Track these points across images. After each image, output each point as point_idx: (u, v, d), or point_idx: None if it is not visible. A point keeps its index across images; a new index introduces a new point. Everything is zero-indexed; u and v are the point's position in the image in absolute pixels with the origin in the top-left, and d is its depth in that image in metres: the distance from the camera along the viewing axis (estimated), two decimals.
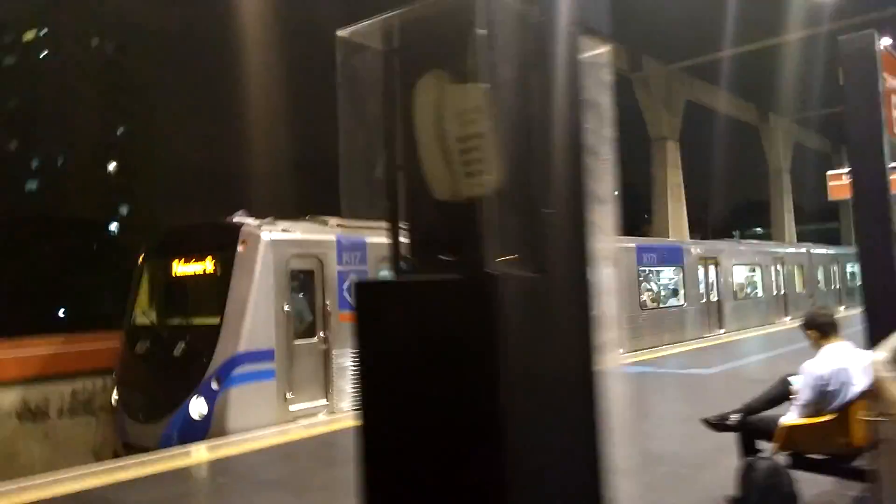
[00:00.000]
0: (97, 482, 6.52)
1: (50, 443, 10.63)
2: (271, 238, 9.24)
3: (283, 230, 9.54)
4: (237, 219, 9.68)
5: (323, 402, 9.56)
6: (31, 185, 72.94)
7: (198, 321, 9.50)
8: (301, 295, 9.54)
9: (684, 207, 27.47)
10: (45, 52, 73.67)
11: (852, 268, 30.03)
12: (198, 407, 8.73)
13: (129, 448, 9.46)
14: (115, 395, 10.13)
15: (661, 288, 17.80)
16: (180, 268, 9.96)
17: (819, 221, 45.70)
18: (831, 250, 29.81)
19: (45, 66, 72.83)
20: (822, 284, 26.37)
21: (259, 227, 9.36)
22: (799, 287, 24.35)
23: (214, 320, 9.08)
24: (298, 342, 9.35)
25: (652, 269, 17.15)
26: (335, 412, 9.59)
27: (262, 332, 8.96)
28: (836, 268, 27.96)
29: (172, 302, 10.26)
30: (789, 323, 22.00)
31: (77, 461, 10.80)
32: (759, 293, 21.90)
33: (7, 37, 71.95)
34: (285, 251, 9.35)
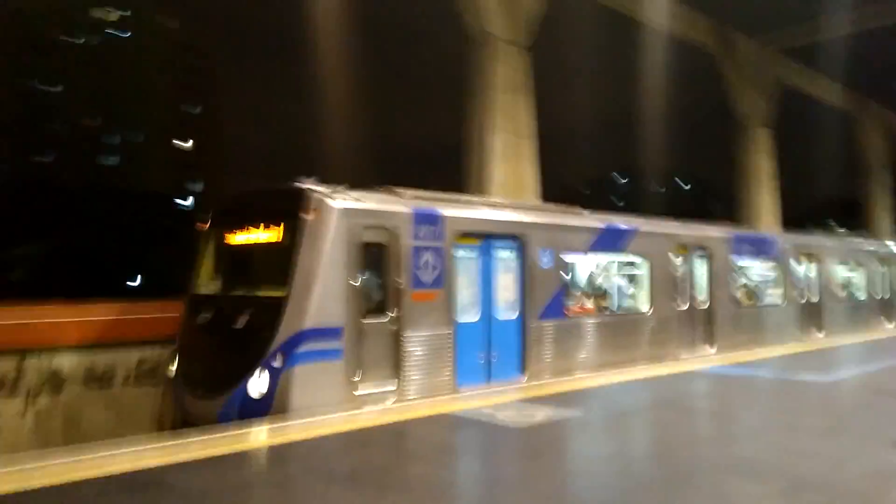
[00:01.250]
0: (155, 461, 5.94)
1: (113, 410, 10.28)
2: (343, 207, 8.50)
3: (355, 199, 8.79)
4: (307, 185, 8.98)
5: (392, 387, 8.81)
6: (111, 161, 75.47)
7: (261, 293, 8.88)
8: (371, 270, 8.78)
9: (775, 199, 25.57)
10: (127, 34, 75.90)
11: None
12: (258, 385, 8.11)
13: (188, 423, 8.98)
14: (172, 367, 9.65)
15: (758, 284, 16.34)
16: (244, 235, 9.36)
17: None
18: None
19: (126, 45, 75.02)
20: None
21: (330, 194, 8.63)
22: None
23: (279, 293, 8.43)
24: (368, 321, 8.61)
25: (748, 262, 15.73)
26: (404, 399, 8.84)
27: (329, 308, 8.26)
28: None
29: (235, 271, 9.68)
30: (893, 330, 20.15)
31: (139, 431, 10.48)
32: (862, 296, 20.04)
33: (89, 17, 74.35)
34: (357, 222, 8.60)
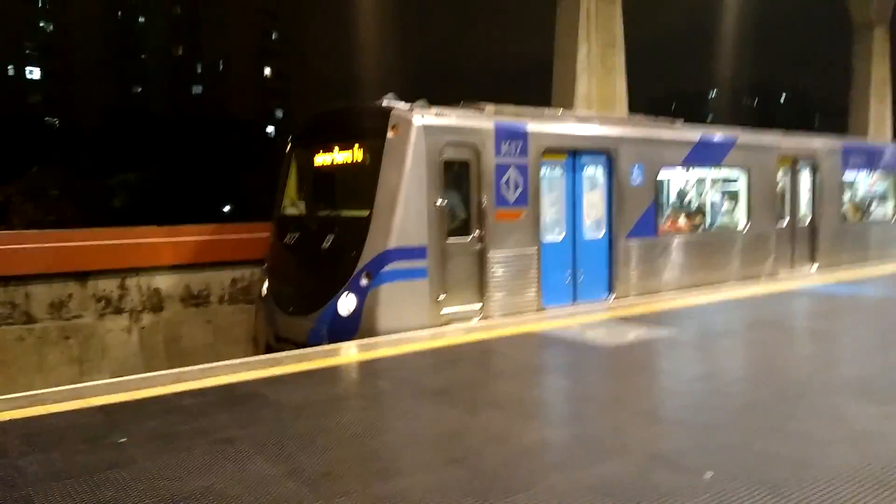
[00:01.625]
0: (250, 376, 6.14)
1: (211, 328, 10.75)
2: (424, 123, 8.25)
3: (436, 115, 8.51)
4: (387, 103, 8.77)
5: (477, 306, 8.75)
6: (197, 90, 77.37)
7: (346, 213, 8.88)
8: (454, 189, 8.58)
9: (889, 107, 23.42)
10: None
11: None
12: (347, 303, 8.21)
13: (280, 340, 9.27)
14: (264, 287, 9.91)
15: (867, 198, 15.18)
16: (327, 155, 9.30)
17: None
18: None
19: None
20: None
21: (410, 110, 8.39)
22: None
23: (363, 212, 8.39)
24: (452, 240, 8.49)
25: (858, 175, 14.56)
26: (489, 317, 8.78)
27: (413, 228, 8.17)
28: None
29: (319, 191, 9.71)
30: None
31: (235, 347, 10.97)
32: None
33: None
34: (439, 138, 8.36)
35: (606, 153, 10.09)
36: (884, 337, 7.54)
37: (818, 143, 13.67)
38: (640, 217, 10.44)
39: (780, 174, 12.70)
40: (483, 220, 8.73)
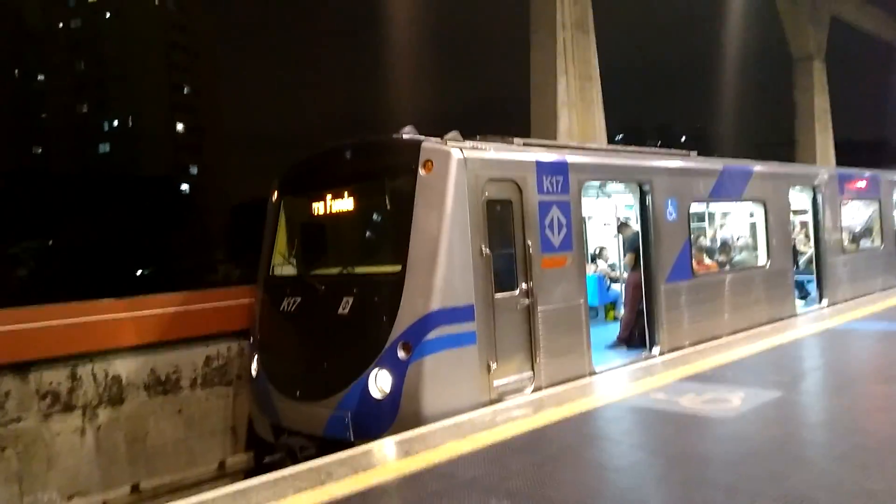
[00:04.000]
0: None
1: (183, 419, 8.77)
2: (463, 157, 6.86)
3: (474, 148, 7.14)
4: (408, 136, 7.35)
5: (529, 373, 7.28)
6: (104, 148, 73.30)
7: (368, 269, 7.29)
8: (498, 233, 7.17)
9: (831, 136, 23.95)
10: (108, 14, 73.04)
11: None
12: (380, 382, 6.57)
13: (280, 430, 7.49)
14: (254, 365, 8.13)
15: (862, 226, 14.84)
16: (333, 201, 7.72)
17: None
18: None
19: (110, 28, 72.28)
20: None
21: (444, 143, 6.99)
22: None
23: (394, 268, 6.83)
24: (500, 296, 7.04)
25: (853, 201, 14.16)
26: (541, 388, 7.32)
27: (458, 283, 6.67)
28: None
29: (326, 246, 8.11)
30: None
31: (213, 442, 9.02)
32: None
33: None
34: (480, 174, 6.97)
35: (643, 186, 8.98)
36: None
37: (822, 171, 13.18)
38: (677, 257, 9.34)
39: (793, 204, 12.04)
40: (530, 268, 7.34)
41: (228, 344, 9.30)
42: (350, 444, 6.45)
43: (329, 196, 7.69)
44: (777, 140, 26.52)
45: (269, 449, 7.68)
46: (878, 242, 14.86)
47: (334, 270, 7.61)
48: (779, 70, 24.42)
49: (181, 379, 8.90)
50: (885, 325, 10.10)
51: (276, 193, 8.53)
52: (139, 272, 56.15)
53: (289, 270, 8.23)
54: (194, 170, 77.66)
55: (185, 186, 75.74)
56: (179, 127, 78.06)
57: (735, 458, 4.76)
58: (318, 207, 7.84)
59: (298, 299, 7.68)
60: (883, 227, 14.91)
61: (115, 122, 73.45)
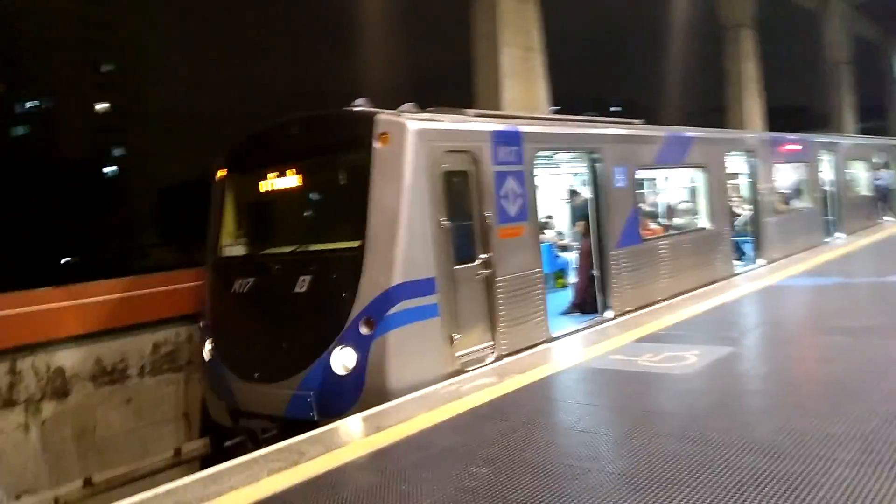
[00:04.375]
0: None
1: (132, 409, 8.48)
2: (420, 128, 6.76)
3: (430, 119, 7.05)
4: (361, 109, 7.20)
5: (490, 343, 7.33)
6: (19, 131, 69.45)
7: (325, 246, 7.15)
8: (456, 204, 7.13)
9: (760, 102, 24.77)
10: None
11: None
12: (343, 359, 6.49)
13: (239, 414, 7.34)
14: (207, 349, 7.91)
15: (791, 188, 15.46)
16: (284, 178, 7.51)
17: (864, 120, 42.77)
18: None
19: (22, 2, 68.08)
20: None
21: (399, 115, 6.88)
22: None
23: (352, 243, 6.73)
24: (459, 268, 7.03)
25: (784, 165, 14.73)
26: (501, 356, 7.39)
27: (419, 256, 6.62)
28: None
29: (281, 223, 7.91)
30: (890, 224, 19.84)
31: (165, 430, 8.78)
32: (864, 191, 19.59)
33: None
34: (437, 146, 6.89)
35: (594, 154, 9.09)
36: None
37: (756, 136, 13.64)
38: (626, 223, 9.52)
39: (730, 168, 12.43)
40: (488, 239, 7.35)
41: (176, 329, 9.02)
42: (314, 424, 6.38)
43: (280, 172, 7.48)
44: (708, 107, 27.24)
45: (226, 433, 7.53)
46: (807, 203, 15.54)
47: (288, 249, 7.43)
48: (708, 39, 25.01)
49: (129, 367, 8.59)
50: (818, 280, 10.60)
51: (221, 172, 8.25)
52: (64, 260, 53.78)
53: (239, 251, 8.01)
54: (119, 152, 74.48)
55: (109, 169, 72.71)
56: (101, 107, 74.54)
57: (701, 411, 4.93)
58: (269, 185, 7.61)
59: (251, 280, 7.48)
60: (811, 187, 15.59)
61: (31, 104, 69.53)
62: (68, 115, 68.42)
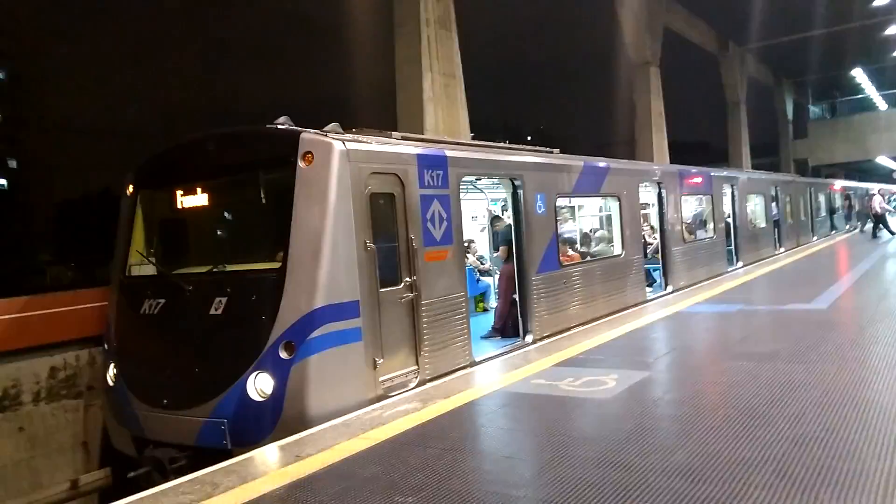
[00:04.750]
0: None
1: (25, 437, 7.83)
2: (346, 148, 6.66)
3: (355, 140, 6.97)
4: (284, 127, 7.04)
5: (414, 367, 7.25)
6: None
7: (242, 267, 6.89)
8: (382, 227, 7.05)
9: (665, 138, 26.08)
10: None
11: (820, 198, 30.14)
12: (259, 385, 6.24)
13: (144, 442, 6.92)
14: (110, 374, 7.45)
15: (696, 218, 16.26)
16: (200, 195, 7.22)
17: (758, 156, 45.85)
18: (808, 180, 29.72)
19: None
20: (800, 215, 25.81)
21: (324, 134, 6.76)
22: (790, 217, 23.62)
23: (272, 264, 6.53)
24: (384, 291, 6.93)
25: (690, 196, 15.49)
26: (424, 379, 7.33)
27: (343, 278, 6.48)
28: (808, 199, 27.53)
29: (196, 242, 7.59)
30: (784, 254, 21.20)
31: (61, 460, 8.16)
32: (762, 223, 20.86)
33: None
34: (363, 167, 6.81)
35: (515, 181, 9.24)
36: (836, 348, 7.43)
37: (665, 168, 14.27)
38: (546, 248, 9.71)
39: (643, 198, 12.93)
40: (413, 262, 7.30)
41: (77, 352, 8.43)
42: (227, 452, 6.10)
43: (196, 190, 7.18)
44: (617, 140, 28.42)
45: (130, 464, 7.08)
46: (710, 233, 16.37)
47: (203, 269, 7.12)
48: (616, 75, 26.16)
49: (21, 393, 7.94)
50: (724, 307, 11.13)
51: (131, 187, 7.86)
52: None
53: (149, 270, 7.61)
54: (13, 163, 70.01)
55: (1, 182, 68.25)
56: None
57: (622, 435, 5.01)
58: (183, 202, 7.30)
59: (162, 301, 7.12)
60: (715, 218, 16.45)
61: None
62: None
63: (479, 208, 13.25)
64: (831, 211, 32.50)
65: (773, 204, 21.62)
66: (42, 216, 62.91)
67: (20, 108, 70.28)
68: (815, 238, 27.24)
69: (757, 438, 4.72)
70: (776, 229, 21.72)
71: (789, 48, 35.37)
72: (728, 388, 6.13)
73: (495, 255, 11.10)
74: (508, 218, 9.72)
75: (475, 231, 12.79)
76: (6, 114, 70.13)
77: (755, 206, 20.63)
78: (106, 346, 7.70)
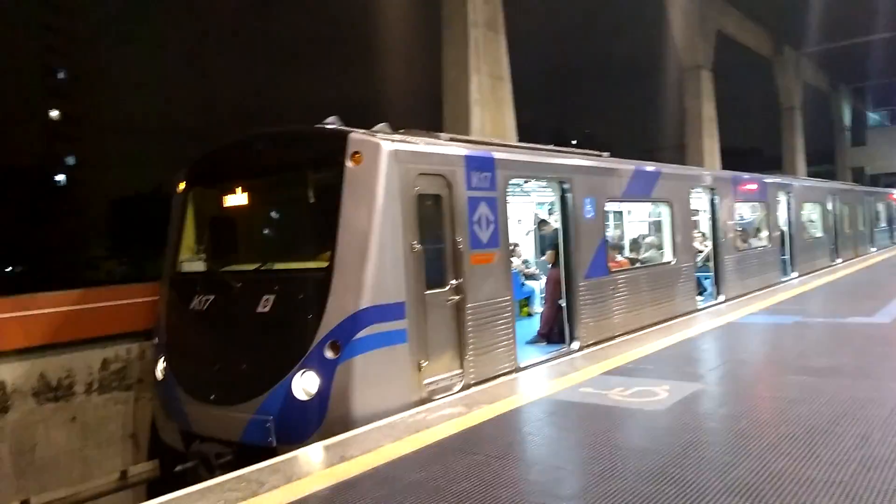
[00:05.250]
0: None
1: (78, 427, 8.01)
2: (394, 149, 6.62)
3: (404, 140, 6.92)
4: (334, 127, 7.03)
5: (458, 371, 7.15)
6: None
7: (290, 265, 6.90)
8: (429, 228, 6.99)
9: (717, 143, 25.45)
10: None
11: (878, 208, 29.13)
12: (305, 384, 6.23)
13: (192, 438, 6.98)
14: (160, 367, 7.55)
15: (750, 226, 15.80)
16: (250, 194, 7.28)
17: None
18: (866, 189, 28.72)
19: None
20: (858, 225, 24.90)
21: (373, 135, 6.73)
22: (847, 227, 22.80)
23: (319, 263, 6.52)
24: (430, 293, 6.86)
25: (744, 204, 15.05)
26: (469, 385, 7.22)
27: (389, 279, 6.43)
28: (866, 208, 26.55)
29: (244, 240, 7.64)
30: (841, 265, 20.45)
31: (111, 451, 8.32)
32: (818, 233, 20.17)
33: None
34: (411, 168, 6.75)
35: (564, 184, 9.07)
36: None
37: (719, 174, 13.89)
38: (594, 254, 9.51)
39: (695, 205, 12.60)
40: (459, 265, 7.21)
41: (128, 346, 8.60)
42: (271, 450, 6.10)
43: (246, 188, 7.24)
44: (665, 145, 27.89)
45: (177, 457, 7.16)
46: (764, 241, 15.88)
47: (251, 267, 7.16)
48: (666, 79, 25.67)
49: (75, 384, 8.13)
50: (779, 318, 10.75)
51: (183, 185, 7.96)
52: (7, 269, 51.69)
53: (199, 267, 7.69)
54: (71, 160, 72.43)
55: (60, 177, 70.59)
56: (54, 114, 72.56)
57: (677, 449, 4.83)
58: (233, 200, 7.36)
59: (211, 297, 7.18)
60: (769, 227, 15.94)
61: None
62: (20, 120, 66.33)
63: (525, 212, 13.10)
64: (890, 221, 31.35)
65: (831, 213, 20.92)
66: (97, 212, 64.88)
67: (79, 106, 72.74)
68: (873, 249, 26.26)
69: (821, 458, 4.49)
70: (833, 239, 20.99)
71: (848, 53, 34.22)
72: (788, 404, 5.87)
73: (541, 259, 10.92)
74: (556, 222, 9.55)
75: (520, 235, 12.63)
76: (66, 112, 72.65)
77: (811, 215, 19.97)
78: (156, 339, 7.81)
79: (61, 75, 73.40)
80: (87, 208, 64.27)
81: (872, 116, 49.16)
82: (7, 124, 65.15)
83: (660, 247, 11.96)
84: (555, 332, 9.50)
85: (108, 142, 72.51)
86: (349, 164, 6.49)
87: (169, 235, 8.05)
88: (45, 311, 7.88)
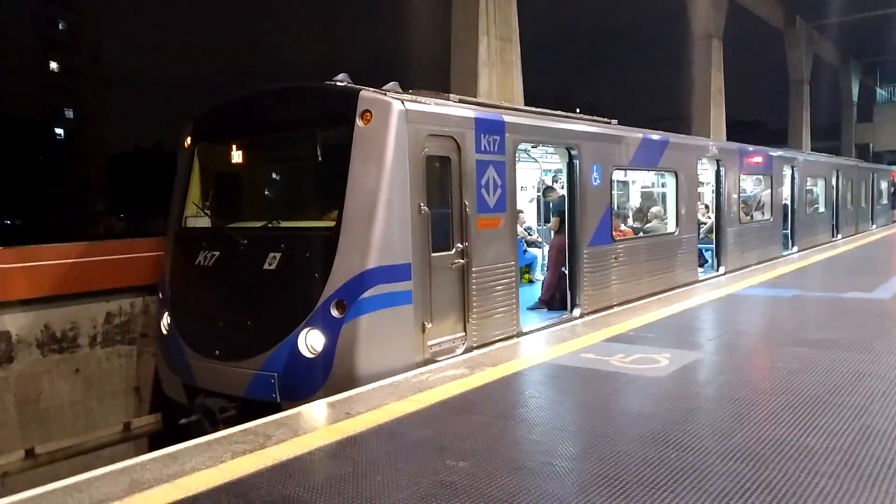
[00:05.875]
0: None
1: (81, 379, 8.09)
2: (406, 108, 6.56)
3: (415, 100, 6.86)
4: (344, 84, 6.96)
5: (461, 333, 7.21)
6: None
7: (298, 223, 6.90)
8: (436, 191, 6.97)
9: (723, 114, 25.25)
10: None
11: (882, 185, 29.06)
12: (311, 342, 6.28)
13: (195, 391, 7.07)
14: (164, 322, 7.59)
15: (754, 199, 15.76)
16: (258, 150, 7.25)
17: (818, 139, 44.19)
18: (870, 165, 28.58)
19: None
20: (861, 202, 24.86)
21: (383, 93, 6.66)
22: (849, 203, 22.77)
23: (327, 222, 6.52)
24: (436, 255, 6.87)
25: (749, 176, 14.99)
26: (471, 347, 7.28)
27: (396, 240, 6.44)
28: (869, 185, 26.47)
29: (251, 197, 7.62)
30: (841, 241, 20.49)
31: (114, 403, 8.41)
32: (821, 208, 20.15)
33: None
34: (421, 128, 6.71)
35: (571, 150, 9.02)
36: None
37: (725, 145, 13.80)
38: (599, 222, 9.50)
39: (701, 175, 12.56)
40: (466, 228, 7.21)
41: (131, 300, 8.63)
42: (275, 405, 6.18)
43: (254, 144, 7.20)
44: (671, 114, 27.65)
45: (180, 410, 7.25)
46: (767, 215, 15.86)
47: (258, 224, 7.15)
48: (672, 48, 25.34)
49: (79, 336, 8.18)
50: (779, 291, 10.79)
51: (189, 139, 7.90)
52: (6, 222, 51.64)
53: (205, 222, 7.68)
54: (70, 113, 71.78)
55: (59, 131, 70.06)
56: (53, 66, 71.66)
57: (678, 415, 4.89)
58: (241, 156, 7.32)
59: (217, 253, 7.19)
60: (773, 200, 15.91)
61: None
62: (17, 71, 65.51)
63: (528, 178, 13.04)
64: (893, 198, 31.31)
65: (834, 188, 20.86)
66: (96, 167, 64.51)
67: (78, 58, 71.79)
68: (874, 226, 26.29)
69: (821, 427, 4.55)
70: (835, 215, 20.98)
71: (861, 26, 33.77)
72: (787, 374, 5.93)
73: (546, 225, 10.92)
74: (561, 188, 9.52)
75: (524, 201, 12.60)
76: (64, 64, 71.72)
77: (814, 190, 19.92)
78: (160, 294, 7.84)
79: (60, 26, 72.30)
80: (86, 163, 63.88)
81: (881, 92, 48.73)
82: (6, 75, 64.39)
83: (664, 217, 11.95)
84: (556, 299, 9.55)
85: (108, 95, 71.78)
86: (359, 122, 6.45)
87: (174, 190, 8.02)
88: (50, 262, 7.88)
